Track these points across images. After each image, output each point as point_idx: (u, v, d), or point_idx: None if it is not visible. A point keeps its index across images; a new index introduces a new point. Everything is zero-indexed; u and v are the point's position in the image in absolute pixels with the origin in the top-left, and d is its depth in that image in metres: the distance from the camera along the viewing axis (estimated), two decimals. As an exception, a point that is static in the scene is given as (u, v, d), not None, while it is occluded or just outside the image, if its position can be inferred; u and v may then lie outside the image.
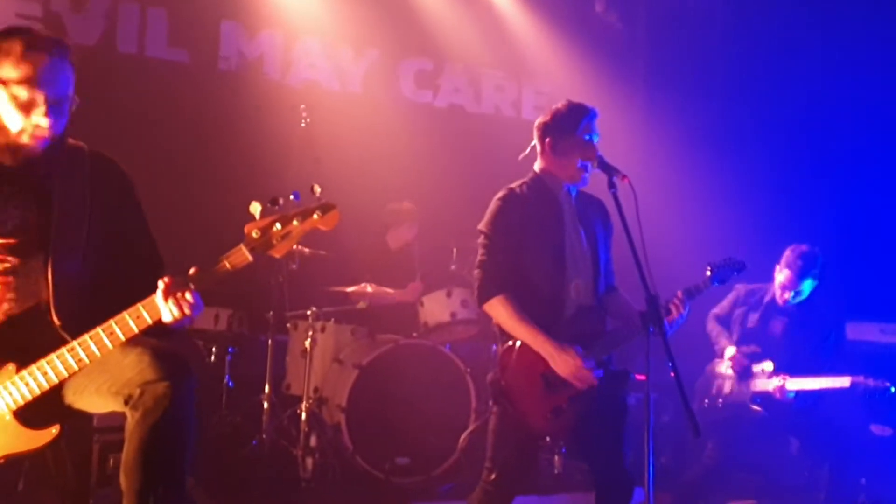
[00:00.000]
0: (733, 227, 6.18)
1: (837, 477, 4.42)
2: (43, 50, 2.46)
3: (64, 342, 2.49)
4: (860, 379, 4.28)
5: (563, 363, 3.12)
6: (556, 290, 3.26)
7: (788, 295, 4.63)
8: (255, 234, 2.45)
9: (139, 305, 2.47)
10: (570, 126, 3.30)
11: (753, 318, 4.74)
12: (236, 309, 5.56)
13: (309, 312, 5.34)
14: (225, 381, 5.47)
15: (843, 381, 4.31)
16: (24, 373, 2.49)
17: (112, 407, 2.52)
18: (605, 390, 3.21)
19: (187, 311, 2.43)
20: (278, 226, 2.45)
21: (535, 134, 3.41)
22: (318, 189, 2.49)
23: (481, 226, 3.31)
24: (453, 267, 5.74)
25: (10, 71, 2.44)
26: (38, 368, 2.48)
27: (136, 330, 2.47)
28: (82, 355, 2.47)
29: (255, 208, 2.46)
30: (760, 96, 7.19)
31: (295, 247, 5.15)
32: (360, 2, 6.59)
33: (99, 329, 2.46)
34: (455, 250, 5.77)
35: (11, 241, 2.54)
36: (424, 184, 6.28)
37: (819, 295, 4.71)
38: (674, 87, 7.34)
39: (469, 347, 5.65)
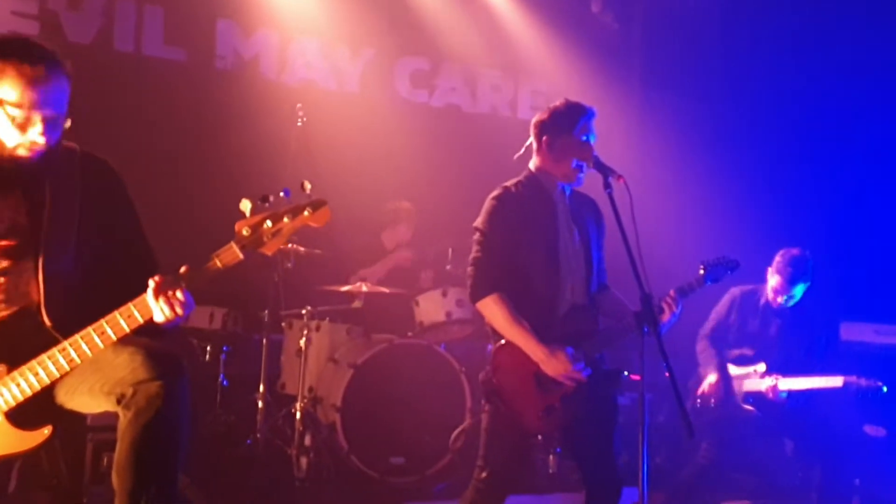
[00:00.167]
0: (728, 227, 6.19)
1: (831, 478, 4.42)
2: (39, 69, 2.44)
3: (55, 343, 2.48)
4: (853, 379, 4.29)
5: (554, 367, 3.13)
6: (550, 288, 3.26)
7: (781, 299, 4.66)
8: (245, 232, 2.44)
9: (130, 305, 2.46)
10: (567, 125, 3.30)
11: (752, 322, 4.76)
12: (231, 308, 5.56)
13: (304, 311, 5.34)
14: (219, 380, 5.46)
15: (835, 381, 4.32)
16: (16, 374, 2.48)
17: (104, 407, 2.51)
18: (596, 390, 3.21)
19: (178, 311, 2.42)
20: (269, 223, 2.45)
21: (532, 132, 3.41)
22: (308, 186, 2.49)
23: (477, 223, 3.31)
24: (449, 267, 5.74)
25: (6, 92, 2.43)
26: (30, 369, 2.47)
27: (127, 330, 2.46)
28: (74, 356, 2.46)
29: (246, 206, 2.45)
30: (755, 97, 7.20)
31: (290, 245, 5.21)
32: (356, 1, 6.58)
33: (90, 329, 2.46)
34: (450, 250, 5.76)
35: (3, 242, 2.54)
36: (420, 183, 6.27)
37: (813, 296, 4.73)
38: (669, 87, 7.35)
39: (464, 347, 5.65)
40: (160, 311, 2.43)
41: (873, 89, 6.45)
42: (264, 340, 5.33)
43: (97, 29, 5.86)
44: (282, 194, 2.48)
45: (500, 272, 3.23)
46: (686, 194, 6.69)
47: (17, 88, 2.42)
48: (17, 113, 2.44)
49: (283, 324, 5.67)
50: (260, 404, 5.21)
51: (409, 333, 5.44)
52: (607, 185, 3.09)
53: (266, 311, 5.38)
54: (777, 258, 4.69)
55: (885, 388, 4.23)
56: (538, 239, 3.28)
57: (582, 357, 3.17)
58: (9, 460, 2.54)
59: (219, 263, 2.46)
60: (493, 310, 3.20)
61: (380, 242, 6.02)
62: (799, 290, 4.64)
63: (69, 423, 2.63)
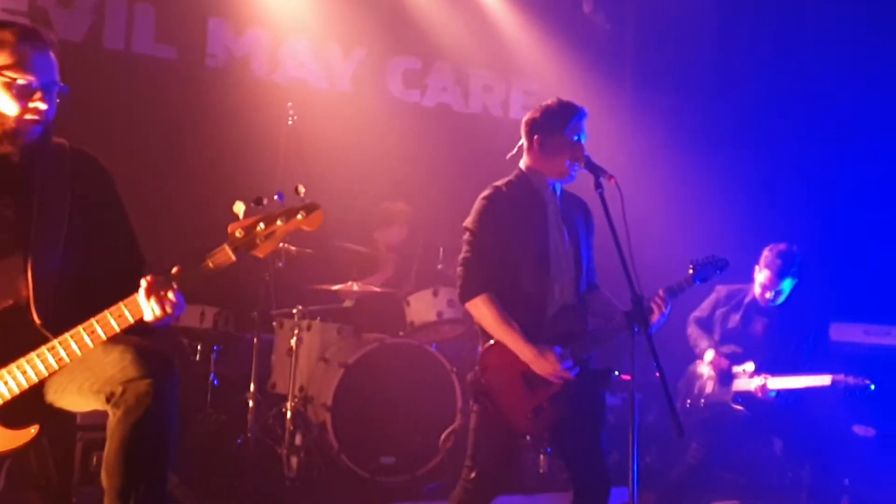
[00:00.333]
0: (718, 226, 6.21)
1: (820, 477, 4.44)
2: (34, 38, 2.55)
3: (45, 340, 2.47)
4: (840, 377, 4.30)
5: (542, 367, 3.14)
6: (540, 288, 3.27)
7: (770, 294, 4.65)
8: (238, 234, 2.44)
9: (121, 304, 2.45)
10: (559, 125, 3.31)
11: (734, 318, 4.76)
12: (222, 307, 5.54)
13: (295, 311, 5.33)
14: (210, 379, 5.45)
15: (823, 380, 4.33)
16: (4, 371, 2.47)
17: (93, 405, 2.51)
18: (585, 390, 3.22)
19: (169, 311, 2.42)
20: (262, 225, 2.45)
21: (523, 130, 3.41)
22: (302, 189, 2.49)
23: (467, 223, 3.31)
24: (440, 266, 5.73)
25: (4, 58, 2.49)
26: (18, 367, 2.46)
27: (117, 329, 2.45)
28: (63, 354, 2.45)
29: (239, 208, 2.45)
30: (746, 98, 7.23)
31: (281, 245, 5.19)
32: (348, 0, 6.58)
33: (80, 327, 2.45)
34: (442, 250, 5.76)
35: None
36: (412, 183, 6.27)
37: (800, 295, 4.74)
38: (661, 87, 7.37)
39: (455, 347, 5.65)
40: (150, 311, 2.42)
41: (863, 91, 6.48)
42: (255, 340, 5.32)
43: (87, 26, 5.83)
44: (275, 197, 2.48)
45: (490, 272, 3.23)
46: (676, 194, 6.71)
47: (16, 54, 2.49)
48: (17, 77, 2.48)
49: (273, 323, 5.66)
50: (250, 404, 5.20)
51: (400, 333, 5.44)
52: (598, 185, 3.10)
53: (257, 311, 5.37)
54: (765, 253, 4.70)
55: (872, 386, 4.24)
56: (528, 239, 3.28)
57: (570, 356, 3.18)
58: (-3, 458, 2.54)
59: (211, 265, 2.45)
60: (482, 310, 3.20)
61: (372, 242, 6.02)
62: (787, 285, 4.64)
63: (58, 422, 2.62)
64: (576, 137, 3.30)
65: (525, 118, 3.42)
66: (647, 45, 7.43)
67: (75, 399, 2.54)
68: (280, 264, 5.33)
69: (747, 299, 4.76)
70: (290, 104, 5.43)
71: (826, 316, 5.67)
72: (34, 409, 2.52)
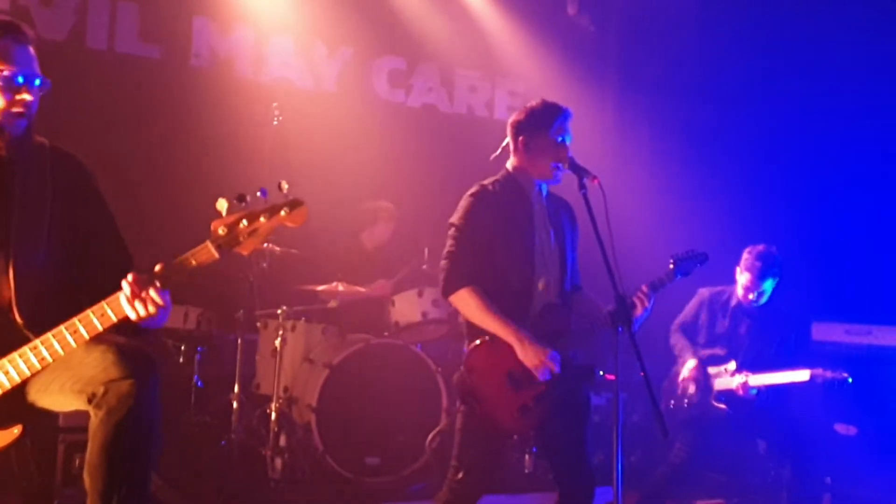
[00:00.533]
0: (701, 226, 6.24)
1: (802, 476, 4.47)
2: (15, 31, 2.57)
3: (27, 341, 2.46)
4: (819, 371, 4.33)
5: (531, 355, 3.14)
6: (524, 286, 3.28)
7: (752, 296, 4.67)
8: (221, 231, 2.42)
9: (104, 303, 2.44)
10: (543, 125, 3.32)
11: (721, 322, 4.79)
12: (206, 308, 5.52)
13: (279, 311, 5.31)
14: (194, 380, 5.42)
15: (802, 375, 4.36)
16: (-15, 371, 2.45)
17: (75, 406, 2.49)
18: (570, 389, 3.23)
19: (151, 310, 2.40)
20: (245, 222, 2.43)
21: (509, 131, 3.42)
22: (285, 186, 2.47)
23: (452, 219, 3.32)
24: (425, 266, 5.73)
25: None
26: (0, 367, 2.45)
27: (100, 328, 2.44)
28: (45, 354, 2.44)
29: (222, 205, 2.43)
30: (729, 99, 7.27)
31: (265, 245, 5.18)
32: (333, 0, 6.57)
33: (62, 327, 2.43)
34: (427, 250, 5.76)
35: None
36: (397, 183, 6.27)
37: (782, 295, 4.77)
38: (644, 89, 7.41)
39: (440, 347, 5.65)
40: (133, 310, 2.41)
41: (845, 91, 6.53)
42: (239, 340, 5.31)
43: (70, 25, 5.80)
44: (259, 194, 2.46)
45: (474, 266, 3.23)
46: (659, 195, 6.74)
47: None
48: (1, 70, 2.48)
49: (258, 324, 5.64)
50: (234, 405, 5.19)
51: (385, 333, 5.43)
52: (582, 186, 3.11)
53: (241, 311, 5.36)
54: (745, 255, 4.72)
55: (850, 379, 4.28)
56: (514, 236, 3.29)
57: (557, 352, 3.18)
58: (-22, 461, 2.52)
59: (194, 262, 2.43)
60: (466, 301, 3.20)
61: (358, 242, 6.01)
62: (769, 286, 4.67)
63: (40, 424, 2.60)
64: (560, 138, 3.31)
65: (511, 119, 3.43)
66: (631, 47, 7.47)
67: (57, 399, 2.53)
68: (264, 265, 5.32)
69: (732, 301, 4.79)
70: (275, 104, 5.42)
71: (808, 315, 5.71)
72: (16, 409, 2.50)
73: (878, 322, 5.69)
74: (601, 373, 3.40)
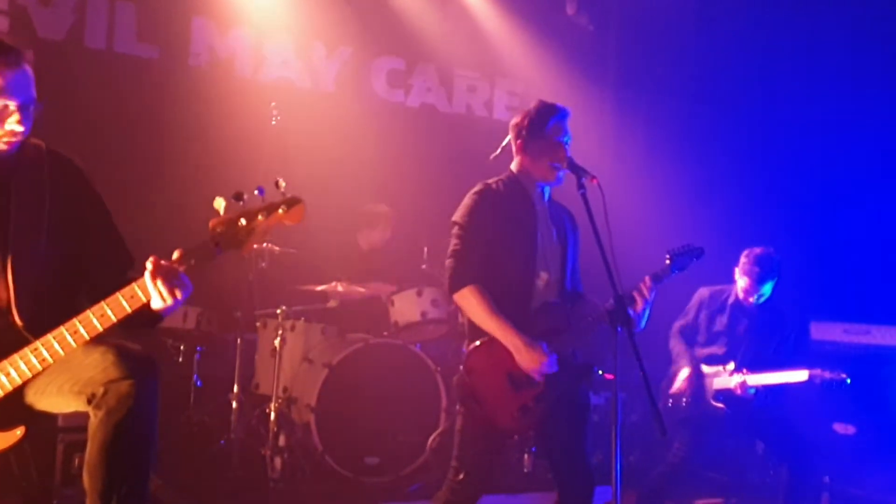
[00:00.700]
0: (700, 226, 6.23)
1: (800, 475, 4.47)
2: (9, 56, 2.49)
3: (26, 343, 2.46)
4: (817, 371, 4.33)
5: (528, 358, 3.14)
6: (525, 283, 3.29)
7: (752, 299, 4.69)
8: (219, 230, 2.42)
9: (103, 303, 2.44)
10: (539, 127, 3.33)
11: (720, 320, 4.79)
12: (205, 307, 5.52)
13: (279, 311, 5.32)
14: (193, 380, 5.42)
15: (801, 375, 4.36)
16: (-14, 373, 2.46)
17: (74, 407, 2.49)
18: (569, 389, 3.23)
19: (178, 294, 2.39)
20: (243, 221, 2.43)
21: (511, 134, 3.44)
22: (282, 183, 2.47)
23: (456, 217, 3.33)
24: (424, 266, 5.74)
25: None
26: (1, 369, 2.45)
27: (100, 328, 2.44)
28: (46, 355, 2.44)
29: (220, 204, 2.43)
30: (728, 99, 7.28)
31: (264, 245, 5.19)
32: (332, 0, 6.57)
33: (63, 328, 2.43)
34: (426, 249, 5.77)
35: None
36: (396, 183, 6.27)
37: (781, 295, 4.77)
38: (643, 88, 7.41)
39: (439, 347, 5.66)
40: (158, 294, 2.39)
41: (842, 92, 6.54)
42: (238, 340, 5.31)
43: (69, 25, 5.79)
44: (256, 192, 2.45)
45: (479, 264, 3.24)
46: (659, 194, 6.74)
47: None
48: None
49: (257, 323, 5.65)
50: (234, 404, 5.19)
51: (385, 333, 5.44)
52: (581, 186, 3.11)
53: (240, 311, 5.36)
54: (742, 259, 4.72)
55: (848, 380, 4.28)
56: (516, 234, 3.30)
57: (554, 353, 3.19)
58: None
59: (193, 261, 2.43)
60: (470, 301, 3.21)
61: (355, 242, 6.01)
62: (767, 289, 4.67)
63: (39, 425, 2.60)
64: (558, 138, 3.32)
65: (511, 122, 3.44)
66: (630, 47, 7.47)
67: (56, 400, 2.52)
68: (263, 264, 5.32)
69: (731, 300, 4.79)
70: (273, 104, 5.42)
71: (806, 315, 5.71)
72: (16, 411, 2.50)
73: (876, 321, 5.70)
74: (600, 372, 3.41)
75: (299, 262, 5.45)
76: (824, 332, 5.80)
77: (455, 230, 3.30)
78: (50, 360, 2.44)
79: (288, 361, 5.35)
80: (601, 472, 3.25)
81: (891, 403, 5.38)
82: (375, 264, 5.88)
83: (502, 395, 3.20)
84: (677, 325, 4.89)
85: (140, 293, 2.42)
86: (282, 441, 4.98)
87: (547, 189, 3.43)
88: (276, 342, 5.21)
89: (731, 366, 4.55)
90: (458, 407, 3.32)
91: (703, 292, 4.91)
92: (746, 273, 4.66)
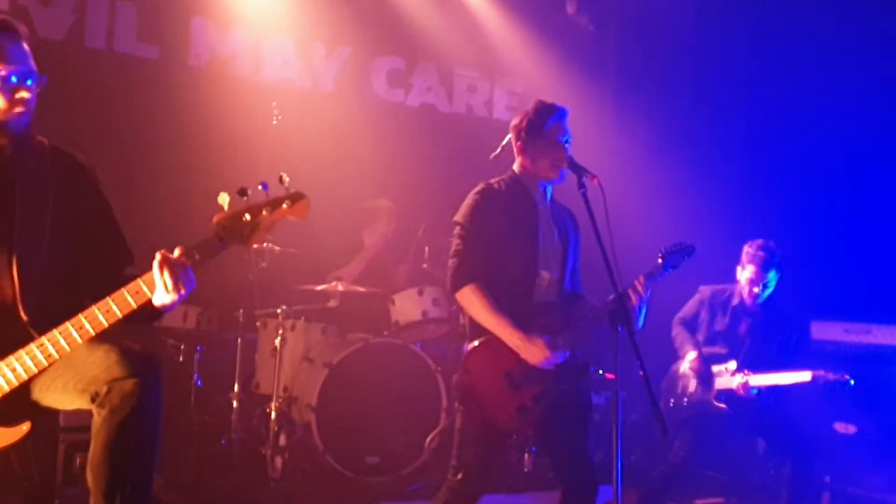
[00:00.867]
0: (700, 225, 6.24)
1: (801, 475, 4.47)
2: (7, 29, 2.58)
3: (32, 339, 2.46)
4: (820, 373, 4.33)
5: (532, 353, 3.15)
6: (527, 282, 3.30)
7: (758, 289, 4.64)
8: (224, 225, 2.43)
9: (108, 299, 2.44)
10: (539, 127, 3.34)
11: (720, 320, 4.78)
12: (205, 307, 5.52)
13: (279, 311, 5.32)
14: (193, 379, 5.42)
15: (803, 376, 4.36)
16: (-7, 369, 2.46)
17: (78, 404, 2.49)
18: (569, 388, 3.23)
19: (182, 288, 2.40)
20: (247, 216, 2.44)
21: (511, 136, 3.44)
22: (286, 179, 2.47)
23: (457, 217, 3.34)
24: (425, 265, 5.74)
25: None
26: (7, 365, 2.45)
27: (105, 325, 2.44)
28: (52, 351, 2.44)
29: (224, 199, 2.44)
30: (728, 97, 7.28)
31: (265, 245, 5.19)
32: (332, -1, 6.58)
33: (68, 324, 2.44)
34: (427, 249, 5.77)
35: None
36: (396, 183, 6.28)
37: (782, 294, 4.77)
38: (643, 88, 7.42)
39: (440, 346, 5.66)
40: (163, 287, 2.40)
41: (845, 91, 6.54)
42: (239, 340, 5.31)
43: (69, 25, 5.80)
44: (260, 187, 2.46)
45: (480, 263, 3.25)
46: (659, 194, 6.75)
47: None
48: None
49: (257, 323, 5.65)
50: (234, 404, 5.19)
51: (385, 332, 5.44)
52: (581, 185, 3.12)
53: (241, 311, 5.36)
54: (745, 249, 4.70)
55: (852, 381, 4.27)
56: (518, 233, 3.31)
57: (558, 344, 3.19)
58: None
59: (197, 256, 2.44)
60: (471, 299, 3.22)
61: (359, 241, 6.01)
62: (773, 278, 4.64)
63: (41, 423, 2.60)
64: (558, 137, 3.32)
65: (511, 123, 3.45)
66: (630, 46, 7.48)
67: (60, 397, 2.53)
68: (264, 264, 5.32)
69: (733, 300, 4.78)
70: (274, 104, 5.42)
71: (807, 314, 5.71)
72: (21, 406, 2.51)
73: (877, 321, 5.70)
74: (599, 371, 3.41)
75: (300, 261, 5.45)
76: (825, 331, 5.80)
77: (457, 230, 3.31)
78: (55, 356, 2.45)
79: (288, 361, 5.35)
80: (602, 472, 3.26)
81: (892, 403, 5.37)
82: (378, 262, 5.89)
83: (501, 394, 3.20)
84: (678, 316, 4.89)
85: (145, 288, 2.43)
86: (282, 440, 4.98)
87: (549, 188, 3.44)
88: (277, 342, 5.21)
89: (733, 365, 4.54)
90: (456, 406, 3.33)
91: (703, 291, 4.90)
92: (751, 261, 4.63)
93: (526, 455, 5.30)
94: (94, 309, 2.44)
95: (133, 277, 2.46)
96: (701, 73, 7.28)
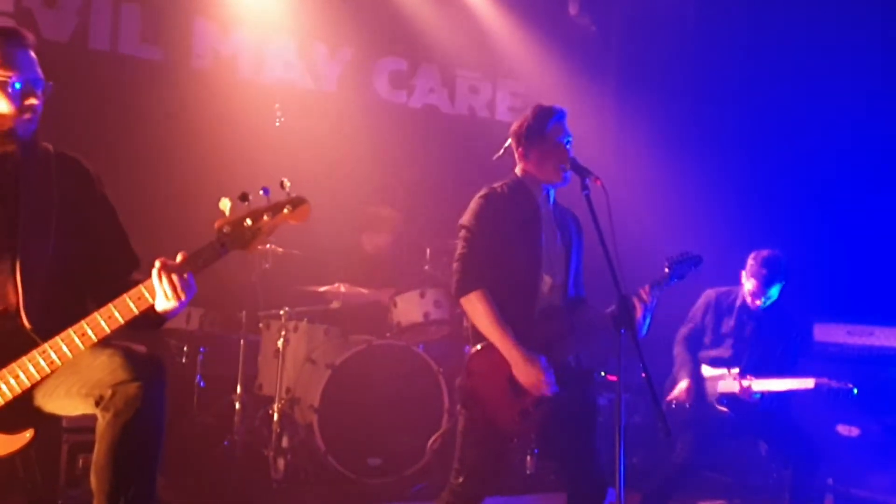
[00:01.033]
0: (704, 227, 6.24)
1: (804, 477, 4.47)
2: (18, 37, 2.60)
3: (35, 345, 2.47)
4: (824, 380, 4.33)
5: (526, 373, 3.14)
6: (530, 286, 3.29)
7: (759, 302, 4.68)
8: (225, 230, 2.44)
9: (111, 305, 2.45)
10: (538, 131, 3.34)
11: (727, 322, 4.78)
12: (208, 308, 5.53)
13: (282, 312, 5.32)
14: (196, 381, 5.42)
15: (807, 383, 4.36)
16: (-3, 377, 2.47)
17: (82, 409, 2.50)
18: (571, 392, 3.23)
19: (181, 295, 2.42)
20: (248, 221, 2.44)
21: (511, 142, 3.44)
22: (287, 183, 2.48)
23: (463, 221, 3.33)
24: (427, 267, 5.74)
25: None
26: (10, 372, 2.46)
27: (108, 330, 2.45)
28: (54, 357, 2.45)
29: (225, 204, 2.45)
30: (730, 98, 7.27)
31: (267, 246, 5.19)
32: (335, 1, 6.57)
33: (70, 330, 2.44)
34: (428, 251, 5.77)
35: None
36: (398, 184, 6.28)
37: (787, 297, 4.77)
38: (646, 89, 7.40)
39: (442, 348, 5.66)
40: (163, 295, 2.41)
41: (847, 91, 6.53)
42: (241, 341, 5.32)
43: (73, 27, 5.80)
44: (261, 192, 2.47)
45: (485, 268, 3.25)
46: (662, 195, 6.74)
47: (2, 55, 2.53)
48: (9, 76, 2.52)
49: (260, 324, 5.65)
50: (237, 405, 5.19)
51: (387, 334, 5.44)
52: (584, 187, 3.12)
53: (243, 312, 5.37)
54: (750, 261, 4.71)
55: (855, 391, 4.27)
56: (522, 237, 3.31)
57: (553, 367, 3.18)
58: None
59: (199, 261, 2.45)
60: (476, 307, 3.21)
61: (359, 243, 6.01)
62: (775, 291, 4.66)
63: (47, 427, 2.61)
64: (558, 139, 3.33)
65: (511, 129, 3.45)
66: (632, 47, 7.47)
67: (64, 403, 2.53)
68: (266, 265, 5.33)
69: (738, 302, 4.78)
70: (277, 105, 5.42)
71: (810, 317, 5.70)
72: (24, 413, 2.51)
73: (880, 323, 5.69)
74: (602, 374, 3.40)
75: (302, 263, 5.46)
76: (828, 333, 5.79)
77: (462, 234, 3.31)
78: (58, 362, 2.45)
79: (291, 362, 5.35)
80: (605, 474, 3.25)
81: (894, 405, 5.37)
82: (378, 266, 5.89)
83: (503, 398, 3.20)
84: (683, 331, 4.88)
85: (147, 294, 2.44)
86: (285, 442, 4.99)
87: (552, 192, 3.43)
88: (280, 343, 5.21)
89: (736, 369, 4.54)
90: (458, 408, 3.33)
91: (709, 294, 4.90)
92: (753, 275, 4.65)
93: (528, 457, 5.30)
94: (97, 315, 2.45)
95: (139, 282, 2.47)
96: (703, 73, 7.27)
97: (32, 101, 2.57)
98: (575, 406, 3.26)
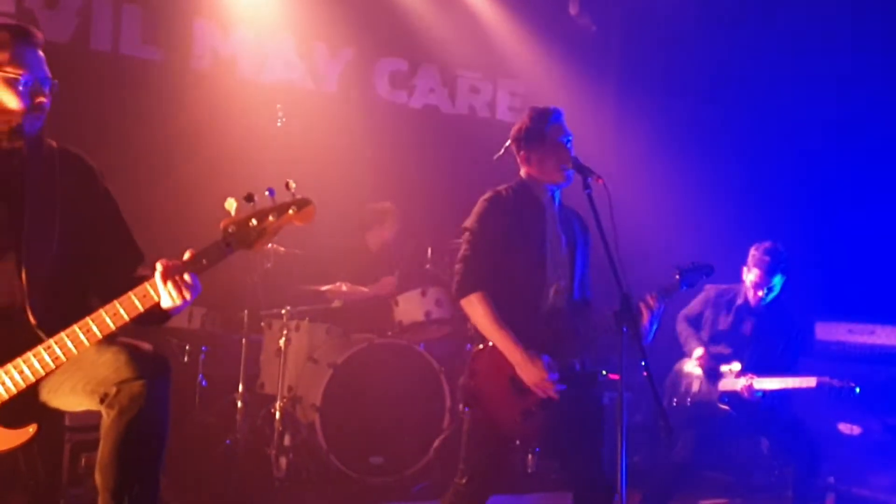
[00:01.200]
0: (705, 226, 6.26)
1: (806, 476, 4.47)
2: (28, 36, 2.64)
3: (40, 341, 2.48)
4: (826, 379, 4.33)
5: (529, 373, 3.14)
6: (535, 289, 3.29)
7: (762, 293, 4.65)
8: (231, 230, 2.45)
9: (116, 302, 2.46)
10: (538, 133, 3.35)
11: (724, 319, 4.78)
12: (210, 307, 5.53)
13: (283, 311, 5.33)
14: (198, 380, 5.43)
15: (808, 382, 4.36)
16: (1, 371, 2.47)
17: (87, 406, 2.51)
18: (574, 393, 3.23)
19: (186, 295, 2.44)
20: (254, 221, 2.45)
21: (512, 146, 3.45)
22: (293, 185, 2.50)
23: (466, 223, 3.34)
24: (428, 266, 5.75)
25: (4, 57, 2.56)
26: (15, 367, 2.47)
27: (113, 327, 2.46)
28: (59, 353, 2.46)
29: (231, 205, 2.46)
30: (731, 98, 7.28)
31: (270, 245, 5.20)
32: (335, 1, 6.58)
33: (76, 327, 2.45)
34: (430, 250, 5.78)
35: None
36: (399, 184, 6.28)
37: (787, 295, 4.77)
38: (646, 88, 7.41)
39: (443, 347, 5.66)
40: (168, 296, 2.43)
41: (849, 90, 6.54)
42: (243, 340, 5.32)
43: (74, 28, 5.81)
44: (266, 193, 2.48)
45: (487, 270, 3.25)
46: (662, 195, 6.75)
47: (13, 52, 2.56)
48: (17, 73, 2.55)
49: (262, 323, 5.66)
50: (239, 404, 5.20)
51: (389, 333, 5.45)
52: (586, 186, 3.12)
53: (245, 311, 5.37)
54: (752, 252, 4.71)
55: (857, 389, 4.28)
56: (526, 240, 3.31)
57: (557, 368, 3.18)
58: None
59: (205, 261, 2.46)
60: (476, 308, 3.22)
61: (362, 243, 6.02)
62: (778, 282, 4.65)
63: (51, 422, 2.62)
64: (558, 139, 3.33)
65: (511, 134, 3.45)
66: (633, 47, 7.47)
67: (69, 399, 2.54)
68: (268, 265, 5.33)
69: (738, 300, 4.78)
70: (278, 105, 5.43)
71: (811, 315, 5.71)
72: (30, 408, 2.52)
73: (881, 321, 5.70)
74: (604, 372, 3.40)
75: (304, 262, 5.46)
76: (829, 332, 5.80)
77: (465, 235, 3.31)
78: (63, 358, 2.46)
79: (293, 361, 5.36)
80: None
81: (896, 403, 5.38)
82: (382, 264, 5.90)
83: (505, 398, 3.20)
84: (684, 312, 4.90)
85: (152, 292, 2.46)
86: (287, 441, 5.00)
87: (557, 193, 3.43)
88: (281, 342, 5.22)
89: (738, 367, 4.54)
90: (461, 408, 3.33)
91: (709, 290, 4.91)
92: (756, 264, 4.64)
93: (529, 456, 5.31)
94: (102, 312, 2.45)
95: (144, 278, 2.48)
96: (704, 73, 7.28)
97: (41, 99, 2.59)
98: (580, 409, 3.25)
